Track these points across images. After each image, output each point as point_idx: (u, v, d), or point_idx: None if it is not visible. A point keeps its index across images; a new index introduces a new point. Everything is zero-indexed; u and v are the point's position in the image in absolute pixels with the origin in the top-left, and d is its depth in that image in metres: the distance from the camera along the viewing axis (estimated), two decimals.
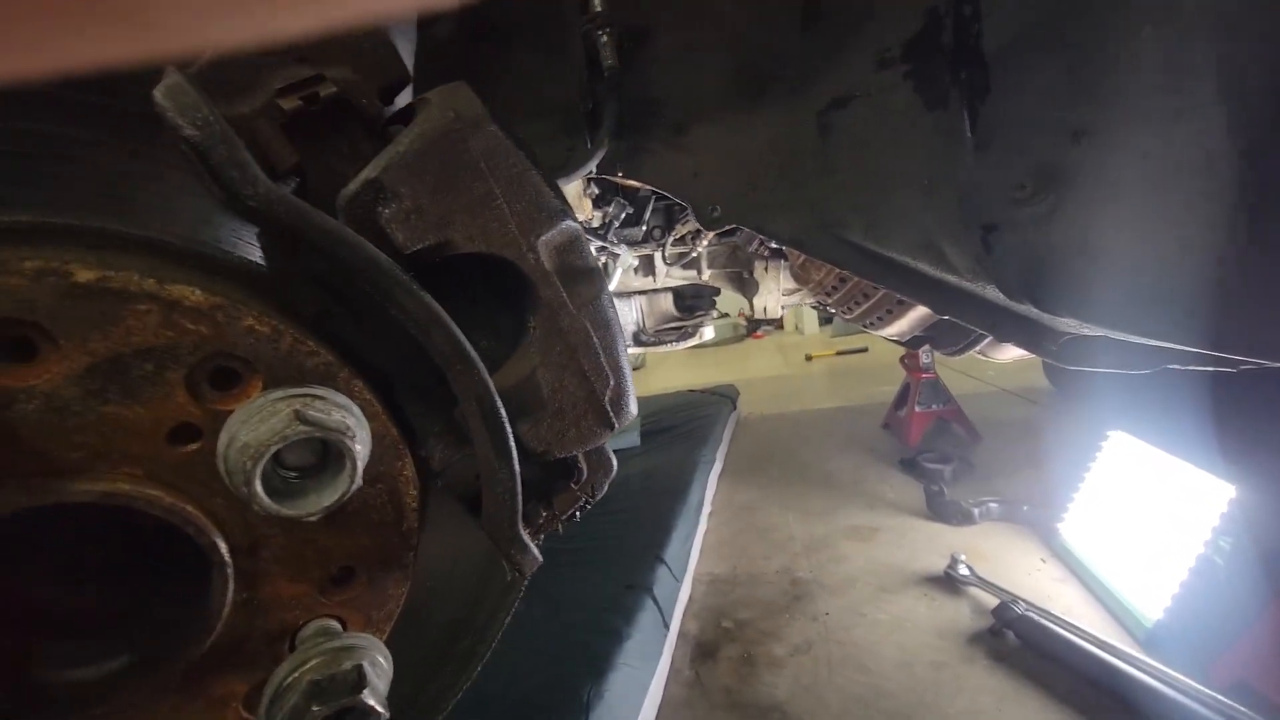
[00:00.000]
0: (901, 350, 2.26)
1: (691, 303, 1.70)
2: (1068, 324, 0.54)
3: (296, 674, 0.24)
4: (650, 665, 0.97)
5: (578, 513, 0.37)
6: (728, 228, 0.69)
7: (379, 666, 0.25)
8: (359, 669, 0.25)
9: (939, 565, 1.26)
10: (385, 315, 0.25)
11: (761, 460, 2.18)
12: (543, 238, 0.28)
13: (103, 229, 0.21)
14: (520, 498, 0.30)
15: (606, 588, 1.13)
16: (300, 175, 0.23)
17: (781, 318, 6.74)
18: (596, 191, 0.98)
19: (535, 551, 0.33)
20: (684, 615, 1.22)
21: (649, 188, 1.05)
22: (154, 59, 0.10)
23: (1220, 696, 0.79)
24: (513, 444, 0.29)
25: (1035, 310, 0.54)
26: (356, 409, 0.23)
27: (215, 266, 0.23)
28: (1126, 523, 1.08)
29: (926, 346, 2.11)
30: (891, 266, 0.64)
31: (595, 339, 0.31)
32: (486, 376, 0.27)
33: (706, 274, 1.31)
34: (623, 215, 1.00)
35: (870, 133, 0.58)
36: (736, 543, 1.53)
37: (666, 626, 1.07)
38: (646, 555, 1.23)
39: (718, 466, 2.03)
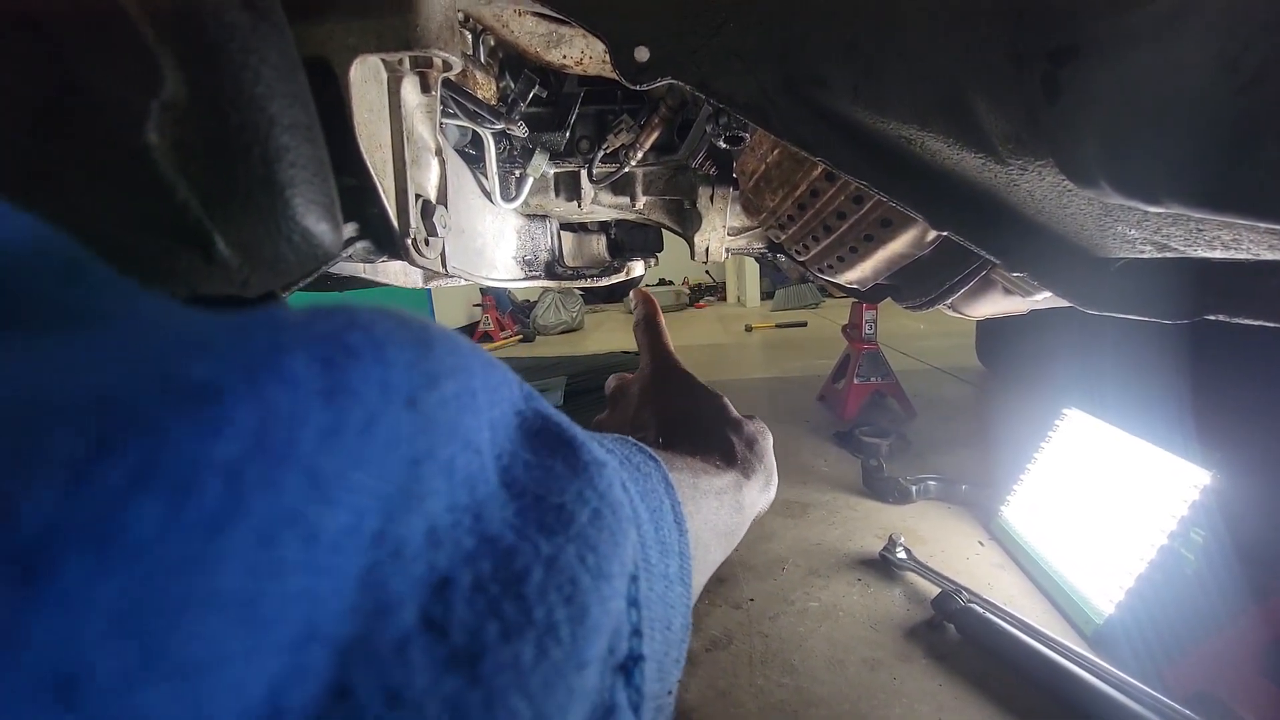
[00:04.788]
0: (840, 324, 2.15)
1: (629, 254, 1.49)
2: (1151, 231, 0.38)
3: None
4: None
5: None
6: (658, 84, 0.48)
7: None
8: None
9: (874, 547, 1.15)
10: None
11: None
12: None
13: None
14: None
15: None
16: None
17: (724, 288, 6.66)
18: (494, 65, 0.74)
19: None
20: None
21: (573, 70, 0.81)
22: None
23: (1180, 707, 0.69)
24: None
25: (1100, 204, 0.37)
26: None
27: None
28: (1080, 508, 0.99)
29: (872, 316, 2.01)
30: (882, 151, 0.46)
31: None
32: None
33: (641, 201, 1.10)
34: (530, 93, 0.77)
35: None
36: None
37: None
38: None
39: None
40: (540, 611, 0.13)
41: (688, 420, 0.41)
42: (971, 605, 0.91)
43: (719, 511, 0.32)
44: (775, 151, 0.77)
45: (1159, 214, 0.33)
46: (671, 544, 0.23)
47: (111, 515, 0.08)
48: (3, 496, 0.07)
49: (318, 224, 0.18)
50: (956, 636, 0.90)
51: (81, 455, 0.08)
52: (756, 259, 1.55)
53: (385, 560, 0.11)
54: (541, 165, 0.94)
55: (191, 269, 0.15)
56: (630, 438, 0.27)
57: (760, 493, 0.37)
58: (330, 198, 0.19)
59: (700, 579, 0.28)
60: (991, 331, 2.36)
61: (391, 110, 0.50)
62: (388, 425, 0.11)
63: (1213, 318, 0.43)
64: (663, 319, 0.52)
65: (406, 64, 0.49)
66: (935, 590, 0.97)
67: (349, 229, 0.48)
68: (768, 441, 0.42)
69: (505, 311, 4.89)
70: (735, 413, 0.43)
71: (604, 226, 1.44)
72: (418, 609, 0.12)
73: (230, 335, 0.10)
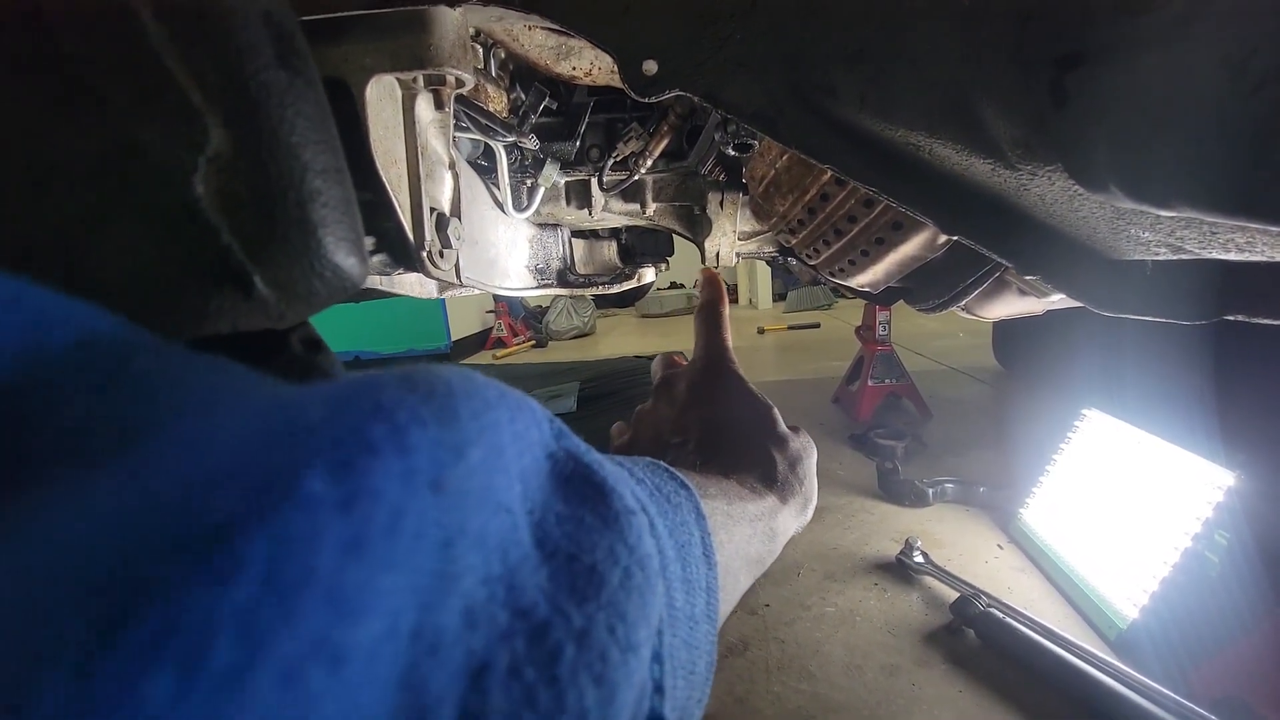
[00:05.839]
0: (854, 325, 2.14)
1: (640, 259, 1.49)
2: (1165, 234, 0.38)
3: None
4: None
5: None
6: (666, 96, 0.49)
7: None
8: None
9: (891, 550, 1.14)
10: None
11: None
12: None
13: None
14: None
15: None
16: None
17: (735, 290, 6.64)
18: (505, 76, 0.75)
19: None
20: None
21: (583, 80, 0.82)
22: None
23: (1206, 713, 0.67)
24: None
25: (1112, 208, 0.37)
26: None
27: None
28: (1101, 510, 0.97)
29: (885, 317, 2.00)
30: (890, 157, 0.46)
31: None
32: None
33: (651, 208, 1.11)
34: (541, 105, 0.78)
35: None
36: None
37: None
38: None
39: None
40: (573, 697, 0.13)
41: (732, 430, 0.39)
42: (991, 610, 0.90)
43: (751, 540, 0.31)
44: (784, 157, 0.78)
45: (1171, 218, 0.33)
46: (699, 580, 0.23)
47: (121, 700, 0.08)
48: (12, 698, 0.07)
49: (346, 259, 0.19)
50: (976, 641, 0.89)
51: (89, 643, 0.08)
52: (768, 262, 1.55)
53: (424, 658, 0.11)
54: (553, 175, 0.95)
55: (233, 307, 0.16)
56: (662, 463, 0.27)
57: (795, 517, 0.36)
58: (357, 233, 0.20)
59: (727, 609, 0.27)
60: (1009, 331, 2.33)
61: (406, 127, 0.51)
62: (414, 516, 0.11)
63: (1231, 318, 0.43)
64: (726, 307, 0.47)
65: (420, 82, 0.50)
66: (954, 595, 0.96)
67: (366, 244, 0.50)
68: (811, 460, 0.40)
69: (518, 318, 4.92)
70: (783, 426, 0.41)
71: (615, 233, 1.45)
72: (457, 705, 0.12)
73: (248, 456, 0.10)
